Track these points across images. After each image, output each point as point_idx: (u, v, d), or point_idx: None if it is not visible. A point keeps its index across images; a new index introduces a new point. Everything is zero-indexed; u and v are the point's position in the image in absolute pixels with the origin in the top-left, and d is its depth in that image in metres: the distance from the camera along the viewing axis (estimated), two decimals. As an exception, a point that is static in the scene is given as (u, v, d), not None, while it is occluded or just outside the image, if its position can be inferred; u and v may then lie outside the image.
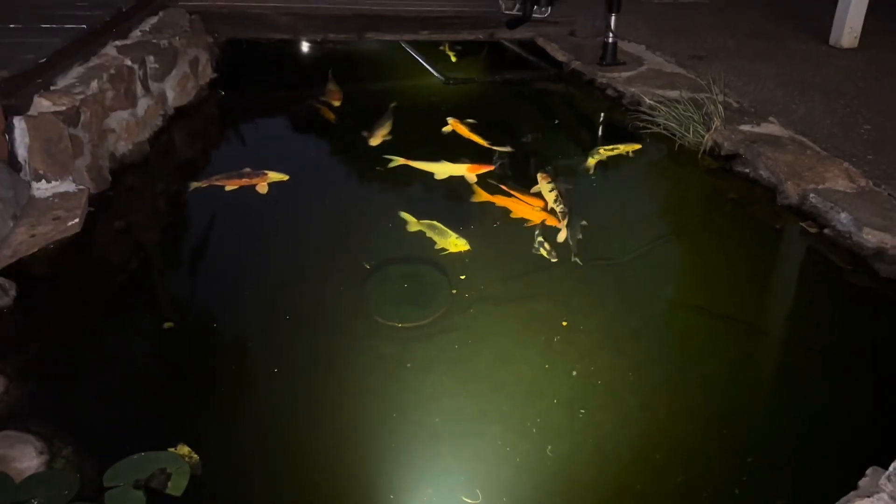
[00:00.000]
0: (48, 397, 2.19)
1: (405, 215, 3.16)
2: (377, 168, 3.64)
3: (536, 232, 2.91)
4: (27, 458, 1.87)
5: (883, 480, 1.74)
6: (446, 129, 4.13)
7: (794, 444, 2.12)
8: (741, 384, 2.39)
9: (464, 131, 4.08)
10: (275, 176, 3.48)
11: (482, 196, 3.37)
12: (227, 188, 3.39)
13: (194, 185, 3.45)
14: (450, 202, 3.44)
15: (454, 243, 2.94)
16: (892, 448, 1.86)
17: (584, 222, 3.10)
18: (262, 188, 3.39)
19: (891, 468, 1.73)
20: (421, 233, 3.03)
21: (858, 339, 2.59)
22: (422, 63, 5.48)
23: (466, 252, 2.91)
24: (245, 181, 3.43)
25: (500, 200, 3.31)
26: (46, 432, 1.97)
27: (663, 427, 2.15)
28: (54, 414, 2.08)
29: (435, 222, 3.06)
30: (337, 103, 4.52)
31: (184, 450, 1.96)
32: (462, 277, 2.75)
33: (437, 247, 2.94)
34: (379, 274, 2.80)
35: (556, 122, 4.60)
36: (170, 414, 2.16)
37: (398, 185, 3.58)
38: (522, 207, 3.22)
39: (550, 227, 3.08)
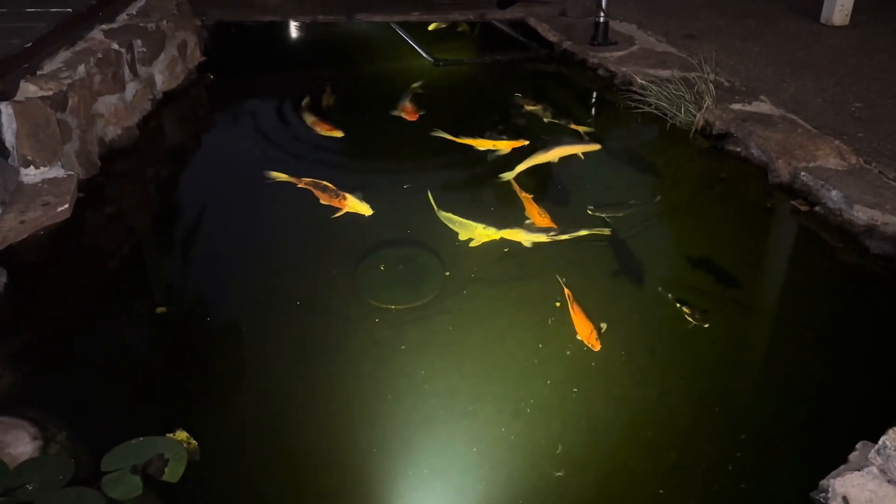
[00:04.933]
0: (41, 383, 2.19)
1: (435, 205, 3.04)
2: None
3: (685, 311, 2.51)
4: (21, 444, 1.87)
5: (872, 454, 1.76)
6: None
7: (785, 419, 2.14)
8: (733, 362, 2.41)
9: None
10: (354, 204, 3.02)
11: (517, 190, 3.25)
12: (322, 201, 3.08)
13: (282, 177, 3.25)
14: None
15: (483, 234, 2.84)
16: (882, 423, 1.88)
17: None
18: (337, 215, 3.00)
19: (880, 442, 1.75)
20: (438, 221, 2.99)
21: (849, 316, 2.61)
22: (411, 44, 5.44)
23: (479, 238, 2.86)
24: (326, 198, 3.07)
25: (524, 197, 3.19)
26: (40, 418, 1.97)
27: (656, 405, 2.16)
28: (48, 399, 2.07)
29: (452, 215, 2.97)
30: (337, 133, 3.85)
31: (182, 435, 1.96)
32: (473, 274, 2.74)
33: (461, 238, 2.87)
34: (373, 257, 2.80)
35: (517, 94, 4.48)
36: (163, 399, 2.16)
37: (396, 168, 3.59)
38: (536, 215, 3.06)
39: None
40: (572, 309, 2.47)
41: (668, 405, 2.17)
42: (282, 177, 3.27)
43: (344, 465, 1.95)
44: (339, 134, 3.82)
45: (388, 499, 1.87)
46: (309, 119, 4.00)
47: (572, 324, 2.43)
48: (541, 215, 3.04)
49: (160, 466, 1.87)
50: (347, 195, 3.06)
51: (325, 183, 3.16)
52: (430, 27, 5.81)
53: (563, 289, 2.58)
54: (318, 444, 2.01)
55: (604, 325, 2.39)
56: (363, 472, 1.93)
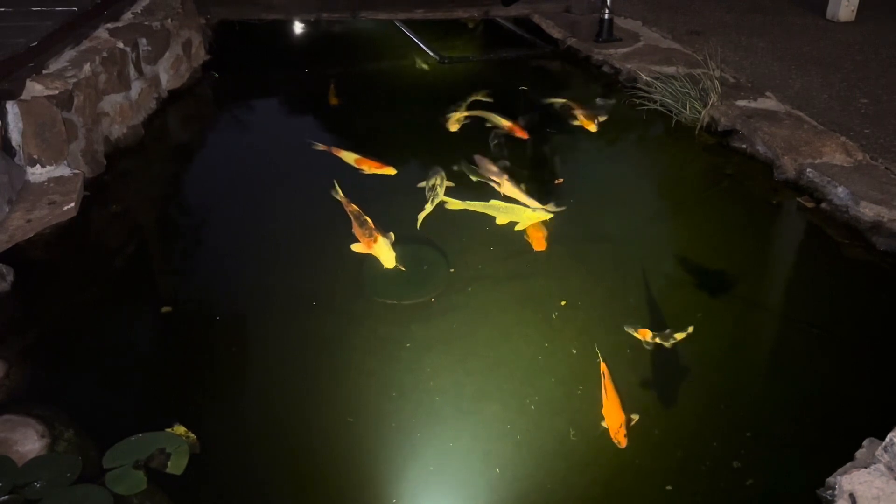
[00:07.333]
0: (48, 381, 2.19)
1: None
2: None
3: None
4: (29, 442, 1.88)
5: (879, 451, 1.75)
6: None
7: (791, 417, 2.13)
8: (739, 359, 2.40)
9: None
10: (380, 251, 2.79)
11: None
12: (353, 231, 2.92)
13: (339, 196, 3.14)
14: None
15: (531, 216, 2.87)
16: (889, 420, 1.87)
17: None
18: (355, 248, 2.84)
19: (887, 439, 1.74)
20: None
21: (855, 313, 2.59)
22: (417, 42, 5.44)
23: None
24: (359, 232, 2.89)
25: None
26: (47, 415, 1.98)
27: (661, 403, 2.16)
28: (55, 397, 2.08)
29: (496, 202, 3.03)
30: (389, 171, 3.45)
31: (180, 430, 1.97)
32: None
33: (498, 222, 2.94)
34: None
35: (523, 88, 4.49)
36: (169, 397, 2.17)
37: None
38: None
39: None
40: (605, 390, 2.17)
41: (674, 402, 2.17)
42: (339, 195, 3.15)
43: (347, 462, 1.95)
44: (391, 171, 3.42)
45: (392, 494, 1.87)
46: (350, 157, 3.55)
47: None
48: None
49: (163, 461, 1.88)
50: (380, 238, 2.84)
51: (365, 217, 2.98)
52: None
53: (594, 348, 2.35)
54: (320, 440, 2.01)
55: (635, 417, 2.08)
56: (367, 469, 1.93)
